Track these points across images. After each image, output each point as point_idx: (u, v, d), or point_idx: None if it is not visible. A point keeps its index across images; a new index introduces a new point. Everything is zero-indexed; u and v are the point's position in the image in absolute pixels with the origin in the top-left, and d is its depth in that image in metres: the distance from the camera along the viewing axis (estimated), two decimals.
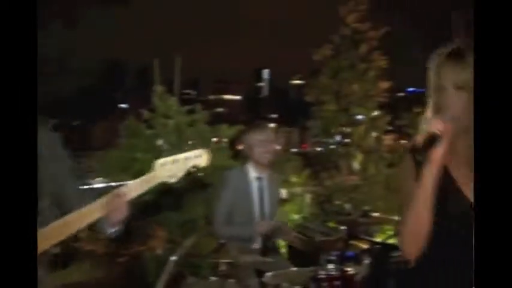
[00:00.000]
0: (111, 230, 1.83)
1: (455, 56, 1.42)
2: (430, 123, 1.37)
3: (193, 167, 1.83)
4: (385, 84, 5.62)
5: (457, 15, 7.87)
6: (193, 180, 4.22)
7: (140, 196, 1.82)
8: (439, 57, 1.44)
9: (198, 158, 1.83)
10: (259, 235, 3.28)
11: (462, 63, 1.39)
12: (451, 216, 1.43)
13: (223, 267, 2.61)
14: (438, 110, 1.43)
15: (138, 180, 1.79)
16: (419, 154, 1.39)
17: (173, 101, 4.97)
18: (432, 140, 1.35)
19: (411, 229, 1.42)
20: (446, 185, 1.42)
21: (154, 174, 1.78)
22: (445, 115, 1.39)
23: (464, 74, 1.38)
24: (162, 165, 1.79)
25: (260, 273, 2.94)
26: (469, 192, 1.41)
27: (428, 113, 1.46)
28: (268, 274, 2.90)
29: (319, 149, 5.73)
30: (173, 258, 2.41)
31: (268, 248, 3.36)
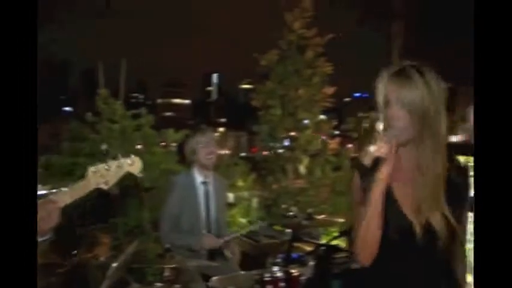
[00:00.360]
0: (41, 239, 1.76)
1: (400, 75, 1.54)
2: (376, 147, 1.53)
3: (128, 174, 1.82)
4: (330, 90, 5.76)
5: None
6: (138, 186, 4.18)
7: (80, 203, 1.78)
8: (386, 76, 1.57)
9: (131, 165, 1.82)
10: (204, 249, 3.28)
11: (407, 82, 1.52)
12: (392, 230, 1.57)
13: (168, 273, 2.59)
14: (384, 125, 1.58)
15: (70, 187, 1.76)
16: (366, 174, 1.58)
17: (118, 105, 4.89)
18: (377, 162, 1.53)
19: (363, 239, 1.58)
20: (388, 203, 1.57)
21: (87, 181, 1.76)
22: (390, 133, 1.54)
23: (408, 92, 1.51)
24: (95, 172, 1.76)
25: (207, 277, 2.94)
26: (408, 211, 1.56)
27: (380, 126, 1.60)
28: (214, 278, 2.91)
29: (266, 153, 5.79)
30: (114, 264, 2.37)
31: (215, 253, 3.37)
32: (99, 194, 1.98)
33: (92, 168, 1.77)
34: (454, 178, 1.56)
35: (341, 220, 4.48)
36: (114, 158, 1.80)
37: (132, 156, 1.83)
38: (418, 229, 1.53)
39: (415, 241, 1.53)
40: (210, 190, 3.42)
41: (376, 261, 1.62)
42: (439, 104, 1.53)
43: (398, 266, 1.61)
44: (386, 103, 1.55)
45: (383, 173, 1.53)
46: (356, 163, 1.68)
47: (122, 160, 1.80)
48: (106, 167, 1.77)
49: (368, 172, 1.57)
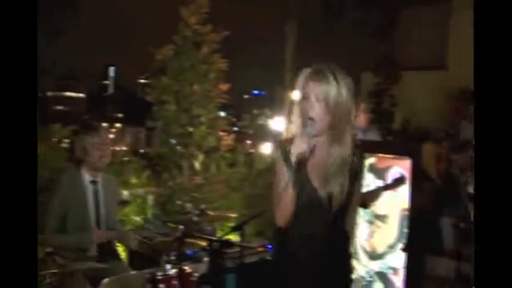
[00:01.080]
0: None
1: (318, 74, 1.89)
2: (296, 142, 1.85)
3: None
4: (225, 86, 5.80)
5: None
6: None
7: None
8: (305, 74, 1.91)
9: None
10: (95, 244, 3.16)
11: (323, 80, 1.87)
12: (303, 197, 1.91)
13: (51, 279, 2.45)
14: (302, 116, 1.90)
15: None
16: (286, 153, 1.89)
17: None
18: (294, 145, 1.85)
19: (280, 203, 1.88)
20: (302, 176, 1.90)
21: None
22: (309, 124, 1.85)
23: (324, 88, 1.86)
24: None
25: (96, 280, 2.83)
26: (316, 183, 1.93)
27: (294, 116, 1.93)
28: (104, 281, 2.81)
29: (161, 149, 5.69)
30: None
31: (106, 254, 3.25)
32: None
33: None
34: (354, 160, 1.94)
35: (234, 215, 4.56)
36: None
37: None
38: (323, 196, 1.90)
39: (321, 206, 1.91)
40: (100, 189, 3.30)
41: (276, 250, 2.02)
42: (348, 97, 1.89)
43: (305, 229, 1.94)
44: (305, 98, 1.89)
45: (299, 153, 1.84)
46: (280, 144, 1.99)
47: None
48: None
49: (288, 152, 1.88)
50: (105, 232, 3.22)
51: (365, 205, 3.22)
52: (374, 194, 3.33)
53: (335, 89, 1.86)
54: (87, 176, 3.25)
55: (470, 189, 6.90)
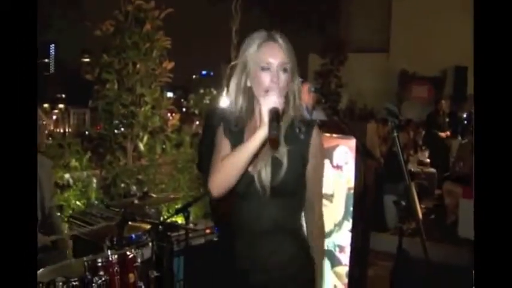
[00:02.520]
0: None
1: (274, 40, 1.78)
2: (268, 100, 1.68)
3: None
4: (169, 65, 5.62)
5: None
6: None
7: None
8: (258, 43, 1.78)
9: None
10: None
11: (280, 47, 1.77)
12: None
13: None
14: (244, 89, 1.81)
15: None
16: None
17: None
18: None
19: (227, 170, 1.74)
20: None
21: None
22: (274, 95, 1.69)
23: (283, 55, 1.76)
24: None
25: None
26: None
27: (231, 92, 1.83)
28: (41, 271, 2.67)
29: (103, 130, 5.47)
30: None
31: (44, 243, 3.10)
32: None
33: None
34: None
35: (179, 197, 4.47)
36: None
37: None
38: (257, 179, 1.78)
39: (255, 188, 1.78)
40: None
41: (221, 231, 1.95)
42: (295, 62, 1.81)
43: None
44: (263, 68, 1.75)
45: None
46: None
47: None
48: None
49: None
50: (43, 237, 3.05)
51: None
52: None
53: (291, 57, 1.78)
54: None
55: (411, 167, 7.14)
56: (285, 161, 1.77)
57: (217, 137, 1.89)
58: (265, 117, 1.65)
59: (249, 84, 1.82)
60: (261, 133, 1.67)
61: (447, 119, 9.81)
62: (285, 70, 1.76)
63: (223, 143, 1.86)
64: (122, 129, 5.46)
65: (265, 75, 1.76)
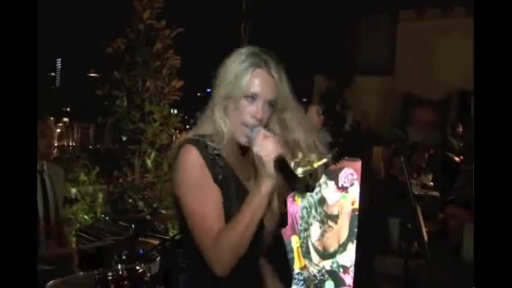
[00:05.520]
0: None
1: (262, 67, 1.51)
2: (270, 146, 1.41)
3: None
4: (178, 83, 5.72)
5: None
6: None
7: None
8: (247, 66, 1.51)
9: None
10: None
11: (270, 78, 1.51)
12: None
13: None
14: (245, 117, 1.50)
15: None
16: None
17: None
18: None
19: (234, 244, 1.44)
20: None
21: None
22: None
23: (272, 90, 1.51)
24: None
25: (43, 282, 2.73)
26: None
27: (217, 115, 1.53)
28: (50, 283, 2.71)
29: (111, 146, 5.54)
30: None
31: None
32: None
33: None
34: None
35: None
36: None
37: None
38: None
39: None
40: (46, 179, 3.20)
41: None
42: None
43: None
44: (252, 98, 1.50)
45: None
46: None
47: None
48: None
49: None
50: (59, 249, 3.12)
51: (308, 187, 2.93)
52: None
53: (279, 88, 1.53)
54: None
55: (415, 191, 7.17)
56: None
57: (202, 185, 1.49)
58: (267, 168, 1.40)
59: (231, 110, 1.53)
60: (263, 189, 1.43)
61: (454, 143, 9.86)
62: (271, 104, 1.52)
63: (212, 193, 1.50)
64: (131, 145, 5.53)
65: (250, 107, 1.51)
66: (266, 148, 1.41)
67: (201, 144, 1.52)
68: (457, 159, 9.05)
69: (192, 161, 1.49)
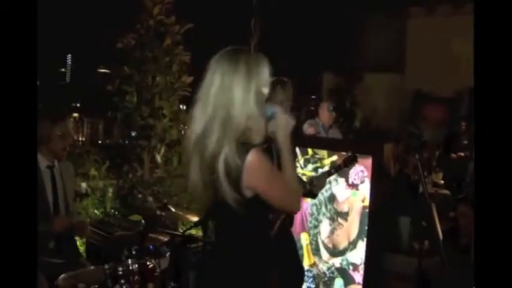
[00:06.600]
0: None
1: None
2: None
3: None
4: (188, 79, 5.72)
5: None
6: None
7: None
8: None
9: None
10: (54, 233, 3.07)
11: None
12: None
13: None
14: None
15: None
16: None
17: None
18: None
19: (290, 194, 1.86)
20: None
21: None
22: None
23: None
24: None
25: (53, 276, 2.74)
26: None
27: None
28: (61, 277, 2.72)
29: (121, 141, 5.56)
30: None
31: (63, 248, 3.16)
32: None
33: None
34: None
35: (198, 208, 4.51)
36: None
37: None
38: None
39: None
40: (56, 175, 3.21)
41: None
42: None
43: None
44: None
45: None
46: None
47: None
48: None
49: None
50: (63, 219, 3.13)
51: (313, 194, 2.90)
52: (320, 180, 2.96)
53: None
54: (43, 161, 3.16)
55: (429, 189, 7.12)
56: None
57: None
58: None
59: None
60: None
61: (465, 141, 9.78)
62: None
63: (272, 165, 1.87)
64: (139, 140, 5.55)
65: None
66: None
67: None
68: (459, 155, 9.00)
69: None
